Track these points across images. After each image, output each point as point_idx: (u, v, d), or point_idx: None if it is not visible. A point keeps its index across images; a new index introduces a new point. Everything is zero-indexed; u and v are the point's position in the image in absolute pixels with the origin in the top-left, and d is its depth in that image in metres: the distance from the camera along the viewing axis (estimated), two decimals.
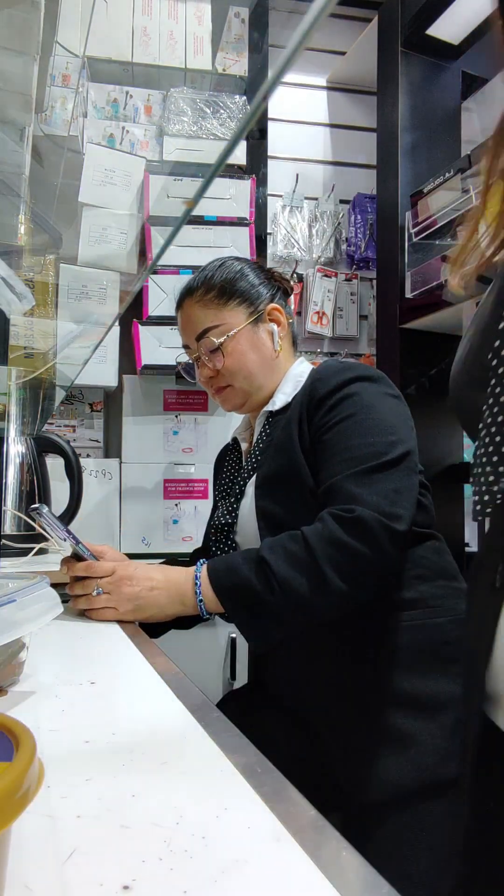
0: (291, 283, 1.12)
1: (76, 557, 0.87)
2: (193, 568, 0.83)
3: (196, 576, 0.81)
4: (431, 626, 0.82)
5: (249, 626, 0.77)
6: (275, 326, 1.01)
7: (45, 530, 0.87)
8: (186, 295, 1.02)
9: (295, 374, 1.00)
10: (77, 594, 0.84)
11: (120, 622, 0.83)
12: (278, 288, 1.05)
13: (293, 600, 0.74)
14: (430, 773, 0.74)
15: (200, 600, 0.80)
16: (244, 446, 1.08)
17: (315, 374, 0.93)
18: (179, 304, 1.04)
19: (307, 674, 0.85)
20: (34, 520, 0.89)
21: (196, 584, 0.81)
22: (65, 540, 0.86)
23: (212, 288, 0.99)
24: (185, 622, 1.06)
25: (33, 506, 0.84)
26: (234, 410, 1.04)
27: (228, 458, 1.09)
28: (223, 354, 0.97)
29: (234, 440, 1.11)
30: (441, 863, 0.72)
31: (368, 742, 0.78)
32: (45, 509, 0.86)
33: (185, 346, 1.05)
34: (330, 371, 0.91)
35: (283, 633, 0.78)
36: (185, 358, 1.07)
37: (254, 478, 0.95)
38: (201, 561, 0.84)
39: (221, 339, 0.97)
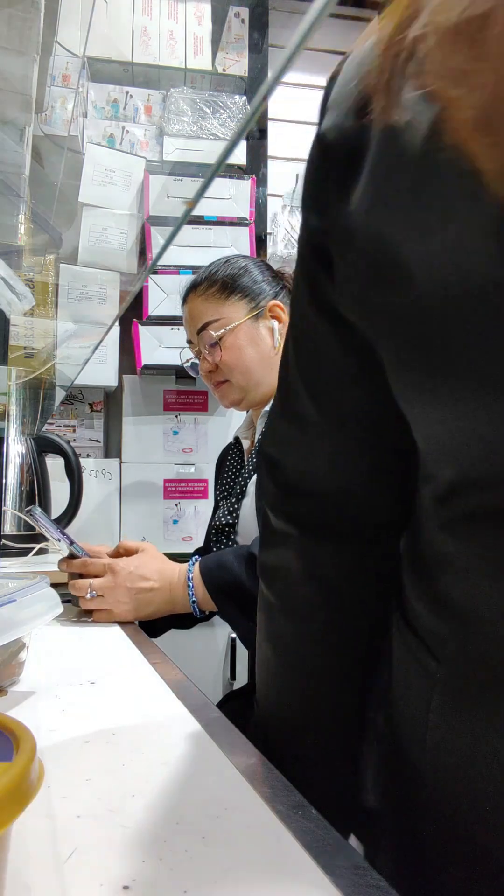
0: None
1: (72, 558, 0.87)
2: (187, 565, 0.83)
3: (189, 576, 0.81)
4: None
5: (239, 624, 0.77)
6: (276, 323, 1.01)
7: (43, 530, 0.87)
8: (190, 290, 1.03)
9: None
10: (74, 594, 0.84)
11: (119, 622, 0.83)
12: (283, 287, 1.05)
13: None
14: None
15: (193, 601, 0.80)
16: (246, 445, 1.08)
17: None
18: (184, 300, 1.05)
19: None
20: (31, 516, 0.89)
21: (189, 584, 0.81)
22: (59, 541, 0.86)
23: (214, 283, 1.00)
24: (185, 622, 1.06)
25: (27, 508, 0.84)
26: (232, 406, 1.05)
27: (230, 458, 1.09)
28: (221, 349, 0.98)
29: (236, 439, 1.10)
30: None
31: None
32: (37, 511, 0.86)
33: (189, 342, 1.06)
34: None
35: None
36: (188, 354, 1.08)
37: (254, 477, 0.95)
38: (195, 558, 0.84)
39: (220, 333, 0.98)
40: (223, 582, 0.78)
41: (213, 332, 0.98)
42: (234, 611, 0.77)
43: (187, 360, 1.10)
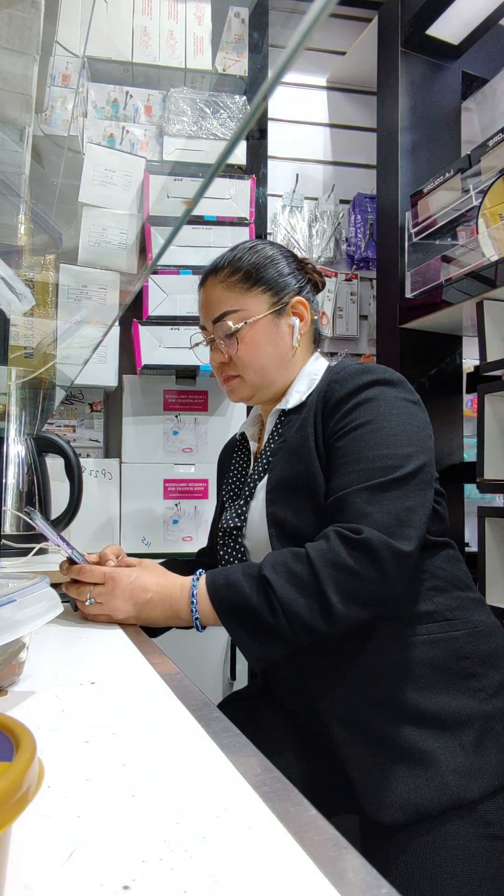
0: (323, 277, 1.05)
1: (71, 561, 0.87)
2: (190, 580, 0.81)
3: (192, 592, 0.79)
4: (448, 640, 0.80)
5: (248, 645, 0.75)
6: (297, 321, 0.96)
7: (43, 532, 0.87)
8: (211, 273, 0.97)
9: (310, 372, 0.96)
10: (72, 596, 0.84)
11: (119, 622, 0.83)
12: (308, 280, 1.01)
13: (295, 623, 0.73)
14: (452, 793, 0.71)
15: (196, 617, 0.78)
16: (253, 446, 1.04)
17: (332, 376, 0.89)
18: (202, 282, 0.99)
19: (320, 689, 0.82)
20: (29, 518, 0.88)
21: (192, 600, 0.78)
22: (58, 546, 0.85)
23: (238, 270, 0.94)
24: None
25: (26, 508, 0.83)
26: (240, 402, 1.01)
27: (236, 456, 1.05)
28: (238, 341, 0.93)
29: (242, 435, 1.06)
30: (471, 887, 0.69)
31: (385, 761, 0.75)
32: (37, 515, 0.85)
33: (202, 328, 1.00)
34: (348, 373, 0.87)
35: (283, 652, 0.76)
36: (198, 338, 1.02)
37: (264, 480, 0.91)
38: (199, 571, 0.82)
39: (239, 326, 0.93)
40: (232, 602, 0.76)
41: (231, 323, 0.93)
42: (243, 632, 0.75)
43: (196, 344, 1.03)
